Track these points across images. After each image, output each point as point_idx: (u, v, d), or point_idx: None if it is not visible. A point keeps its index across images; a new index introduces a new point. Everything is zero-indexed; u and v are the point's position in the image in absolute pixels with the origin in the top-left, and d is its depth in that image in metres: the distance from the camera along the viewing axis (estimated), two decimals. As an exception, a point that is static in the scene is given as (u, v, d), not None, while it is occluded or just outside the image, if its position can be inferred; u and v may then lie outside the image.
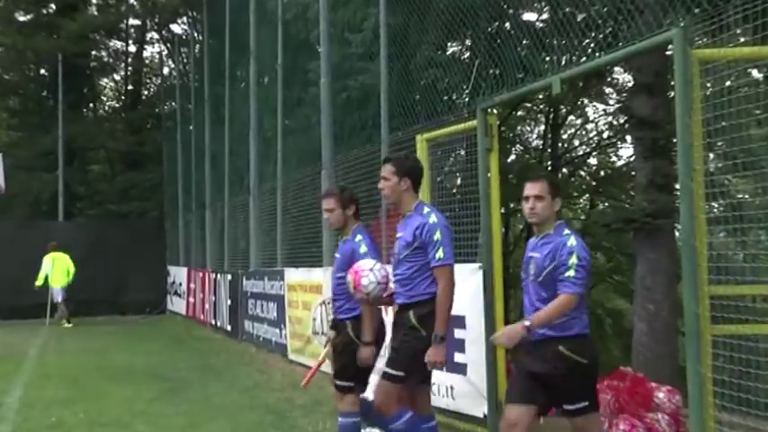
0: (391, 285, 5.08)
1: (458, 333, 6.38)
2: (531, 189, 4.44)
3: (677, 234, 8.77)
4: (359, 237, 5.40)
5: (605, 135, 25.07)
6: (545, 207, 4.38)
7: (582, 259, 4.22)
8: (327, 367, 9.16)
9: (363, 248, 5.31)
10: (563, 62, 5.83)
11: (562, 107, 23.39)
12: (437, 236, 4.81)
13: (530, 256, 4.46)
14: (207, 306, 17.03)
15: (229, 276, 15.04)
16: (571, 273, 4.19)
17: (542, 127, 25.94)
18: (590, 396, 4.35)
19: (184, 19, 26.64)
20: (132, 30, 28.56)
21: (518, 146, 25.53)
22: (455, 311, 6.35)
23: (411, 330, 4.86)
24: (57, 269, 18.18)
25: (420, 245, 4.84)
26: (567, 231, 4.36)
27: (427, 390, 5.30)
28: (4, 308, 19.32)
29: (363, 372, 5.40)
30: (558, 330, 4.24)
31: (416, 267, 4.88)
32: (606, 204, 22.95)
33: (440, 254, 4.79)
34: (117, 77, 30.41)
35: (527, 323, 4.19)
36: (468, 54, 10.05)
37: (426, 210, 4.96)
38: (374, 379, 5.41)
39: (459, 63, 9.20)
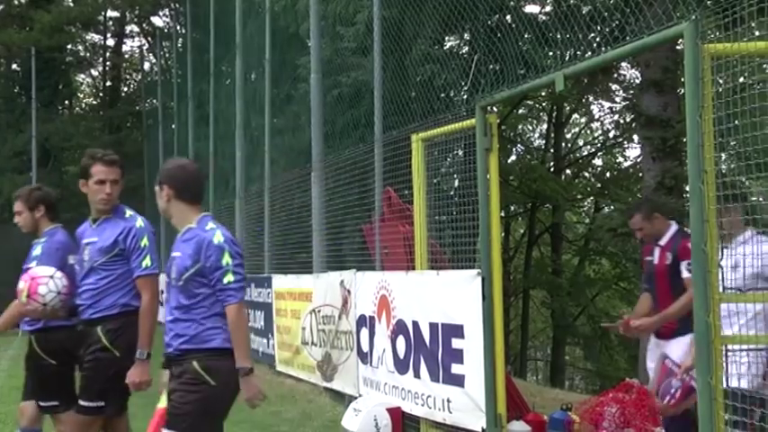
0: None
1: (455, 343, 6.38)
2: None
3: (687, 239, 8.78)
4: (44, 238, 5.17)
5: (611, 134, 25.22)
6: (158, 201, 4.18)
7: (235, 257, 3.86)
8: (318, 379, 9.18)
9: (37, 251, 5.07)
10: (567, 57, 5.83)
11: (566, 105, 23.50)
12: (144, 242, 4.62)
13: (172, 257, 4.05)
14: (189, 315, 16.96)
15: (213, 284, 14.98)
16: (230, 278, 3.82)
17: (545, 126, 26.07)
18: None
19: (166, 11, 26.66)
20: (110, 22, 28.60)
21: (519, 146, 25.62)
22: (453, 320, 6.39)
23: (103, 352, 4.62)
24: None
25: (121, 251, 4.62)
26: (211, 225, 3.95)
27: (125, 419, 5.03)
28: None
29: (46, 388, 5.11)
30: (195, 341, 3.86)
31: (113, 277, 4.64)
32: (612, 207, 23.01)
33: (147, 262, 4.60)
34: (94, 73, 30.46)
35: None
36: (466, 49, 10.09)
37: (130, 213, 4.78)
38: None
39: (458, 58, 9.22)
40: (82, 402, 4.69)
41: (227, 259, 3.81)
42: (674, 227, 5.74)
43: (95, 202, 4.76)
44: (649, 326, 5.61)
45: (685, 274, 5.31)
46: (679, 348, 5.39)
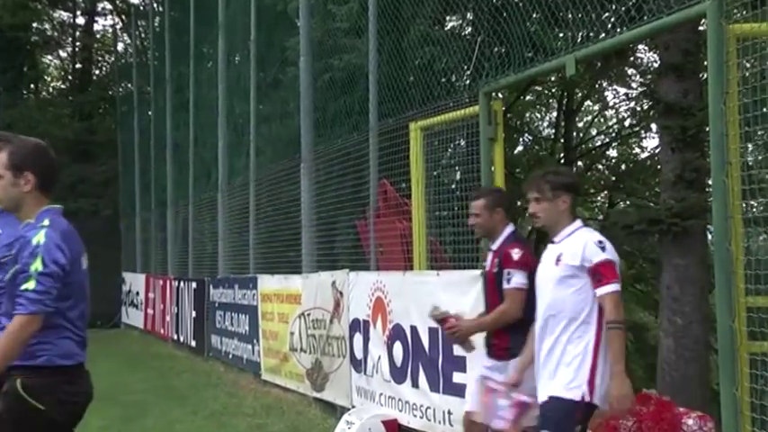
0: None
1: (457, 350, 6.38)
2: None
3: (709, 237, 8.80)
4: None
5: (627, 123, 25.19)
6: (3, 188, 3.72)
7: (48, 265, 3.53)
8: (307, 388, 9.19)
9: None
10: (579, 39, 5.83)
11: (577, 91, 23.46)
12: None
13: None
14: (168, 319, 16.98)
15: (194, 284, 15.01)
16: (30, 285, 3.49)
17: (554, 114, 26.04)
18: None
19: (142, -13, 26.56)
20: (81, -1, 28.45)
21: (526, 135, 25.62)
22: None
23: None
24: None
25: None
26: (45, 222, 3.66)
27: None
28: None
29: None
30: (21, 358, 3.56)
31: None
32: (627, 203, 23.00)
33: None
34: (63, 54, 30.28)
35: None
36: (469, 30, 10.06)
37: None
38: None
39: (460, 40, 9.19)
40: None
41: (36, 265, 3.52)
42: (509, 230, 5.43)
43: None
44: (463, 332, 5.41)
45: (504, 285, 5.15)
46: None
